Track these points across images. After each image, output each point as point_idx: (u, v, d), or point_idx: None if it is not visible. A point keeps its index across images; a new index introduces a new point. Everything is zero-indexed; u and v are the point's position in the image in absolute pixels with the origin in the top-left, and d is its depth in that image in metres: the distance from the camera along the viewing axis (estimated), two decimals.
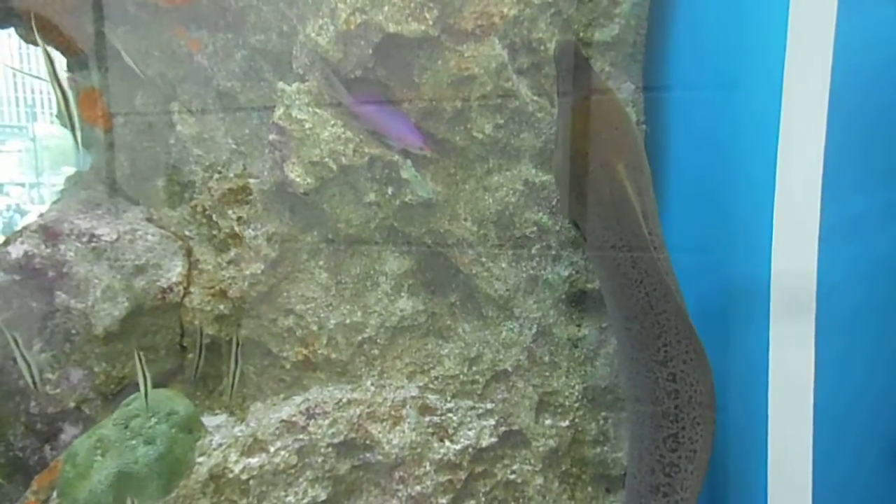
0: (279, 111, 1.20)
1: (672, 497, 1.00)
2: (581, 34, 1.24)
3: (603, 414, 1.29)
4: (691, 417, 0.99)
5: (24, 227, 1.28)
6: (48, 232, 1.27)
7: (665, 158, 1.30)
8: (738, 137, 1.14)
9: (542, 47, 1.23)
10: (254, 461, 1.16)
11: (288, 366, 1.31)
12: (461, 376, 1.29)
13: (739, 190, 1.13)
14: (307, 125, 1.19)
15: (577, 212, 1.07)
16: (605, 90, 1.07)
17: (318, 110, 1.20)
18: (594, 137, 1.02)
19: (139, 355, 1.08)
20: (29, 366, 1.13)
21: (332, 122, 1.20)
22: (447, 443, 1.23)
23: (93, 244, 1.28)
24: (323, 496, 1.18)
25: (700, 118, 1.21)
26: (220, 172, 1.34)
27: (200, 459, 1.15)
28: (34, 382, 1.13)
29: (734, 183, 1.15)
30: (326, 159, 1.19)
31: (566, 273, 1.30)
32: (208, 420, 1.26)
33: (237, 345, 1.21)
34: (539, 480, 1.26)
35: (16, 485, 1.27)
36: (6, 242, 1.26)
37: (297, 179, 1.20)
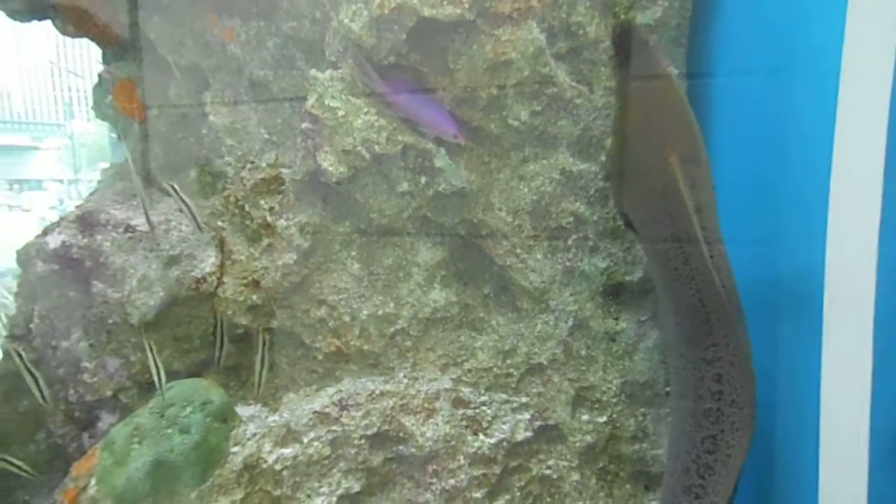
0: (312, 99, 1.18)
1: (704, 499, 0.97)
2: (622, 17, 1.20)
3: (642, 410, 1.26)
4: (731, 421, 0.96)
5: (62, 218, 1.30)
6: (85, 222, 1.28)
7: (710, 148, 1.25)
8: (791, 124, 1.09)
9: (582, 31, 1.19)
10: (287, 452, 1.16)
11: (320, 357, 1.30)
12: (495, 369, 1.27)
13: (792, 180, 1.08)
14: (340, 113, 1.17)
15: (627, 202, 1.03)
16: (663, 75, 1.02)
17: (351, 98, 1.18)
18: (648, 125, 0.98)
19: (150, 346, 1.10)
20: (36, 380, 1.14)
21: (366, 110, 1.18)
22: (481, 436, 1.21)
23: (128, 234, 1.29)
24: (356, 488, 1.17)
25: (749, 104, 1.15)
26: (252, 163, 1.33)
27: (235, 449, 1.15)
28: (43, 397, 1.14)
29: (786, 172, 1.09)
30: (359, 148, 1.17)
31: (604, 265, 1.26)
32: (241, 410, 1.26)
33: (263, 343, 1.20)
34: (575, 476, 1.23)
35: (55, 471, 1.29)
36: (44, 233, 1.28)
37: (330, 168, 1.18)
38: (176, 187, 1.19)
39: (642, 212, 1.00)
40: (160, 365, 1.09)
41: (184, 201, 1.17)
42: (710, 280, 0.91)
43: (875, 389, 0.92)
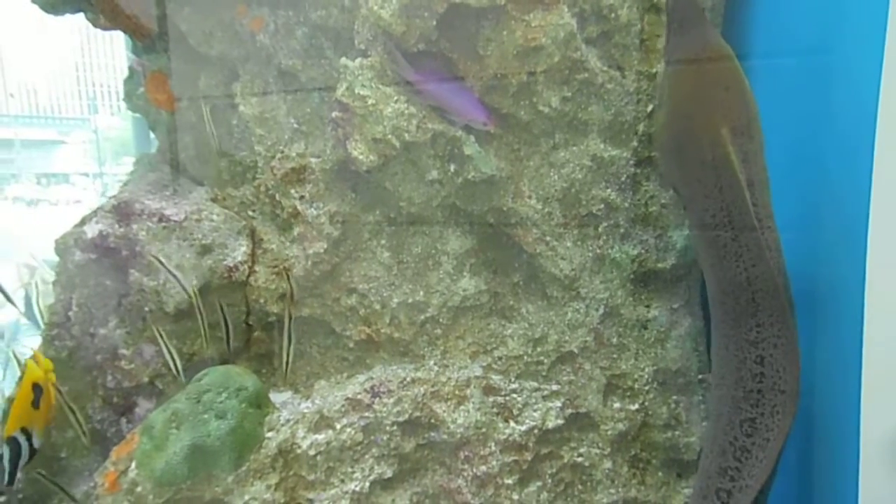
0: (342, 88, 1.19)
1: (738, 482, 0.96)
2: None
3: (674, 397, 1.25)
4: (772, 404, 0.94)
5: (99, 208, 1.32)
6: (121, 212, 1.31)
7: None
8: (831, 108, 1.06)
9: (613, 15, 1.18)
10: (321, 437, 1.17)
11: (351, 345, 1.31)
12: (525, 357, 1.27)
13: (832, 166, 1.05)
14: (370, 101, 1.17)
15: (676, 177, 1.01)
16: (717, 46, 0.98)
17: (380, 86, 1.18)
18: (701, 97, 0.96)
19: (160, 333, 1.14)
20: (74, 413, 1.18)
21: (395, 98, 1.18)
22: (512, 423, 1.21)
23: (163, 224, 1.31)
24: (389, 474, 1.18)
25: (788, 88, 1.13)
26: (281, 152, 1.34)
27: (269, 434, 1.17)
28: (83, 431, 1.20)
29: (826, 158, 1.07)
30: (389, 136, 1.17)
31: (635, 252, 1.25)
32: (274, 397, 1.28)
33: (290, 319, 1.20)
34: (607, 464, 1.23)
35: (94, 455, 1.33)
36: (82, 222, 1.31)
37: (360, 157, 1.18)
38: (161, 259, 1.22)
39: (692, 186, 0.98)
40: (174, 353, 1.15)
41: (171, 272, 1.20)
42: (761, 257, 0.89)
43: None
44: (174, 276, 1.17)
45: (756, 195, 0.91)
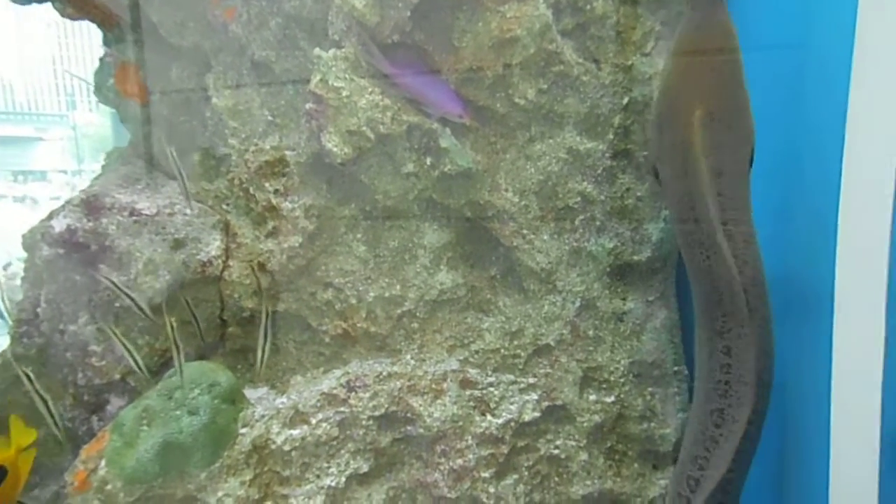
0: (315, 79, 1.17)
1: (706, 472, 0.97)
2: None
3: (650, 389, 1.25)
4: (738, 395, 0.95)
5: (67, 202, 1.29)
6: (90, 206, 1.28)
7: None
8: (801, 106, 1.07)
9: (588, 6, 1.18)
10: (296, 433, 1.16)
11: (327, 339, 1.30)
12: (502, 350, 1.27)
13: (804, 158, 1.06)
14: (344, 93, 1.16)
15: (655, 154, 1.00)
16: (721, 29, 0.95)
17: (355, 77, 1.17)
18: (687, 76, 0.94)
19: (171, 325, 1.08)
20: (46, 403, 1.13)
21: (370, 90, 1.17)
22: (489, 417, 1.21)
23: (133, 218, 1.28)
24: (365, 468, 1.17)
25: (762, 82, 1.13)
26: (256, 145, 1.32)
27: (243, 430, 1.15)
28: (55, 423, 1.14)
29: (798, 152, 1.07)
30: (364, 128, 1.16)
31: (611, 245, 1.25)
32: (249, 393, 1.26)
33: (267, 317, 1.18)
34: (583, 456, 1.23)
35: (66, 454, 1.30)
36: (49, 217, 1.28)
37: (335, 149, 1.17)
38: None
39: (667, 167, 0.97)
40: (181, 346, 1.08)
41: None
42: (716, 246, 0.89)
43: (886, 384, 0.91)
44: (129, 297, 1.13)
45: (725, 185, 0.91)
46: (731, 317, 0.92)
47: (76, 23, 1.40)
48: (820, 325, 0.99)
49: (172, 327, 1.03)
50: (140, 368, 1.09)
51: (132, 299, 1.14)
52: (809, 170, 1.05)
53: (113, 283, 1.14)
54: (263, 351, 1.19)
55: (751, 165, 0.95)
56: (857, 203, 0.94)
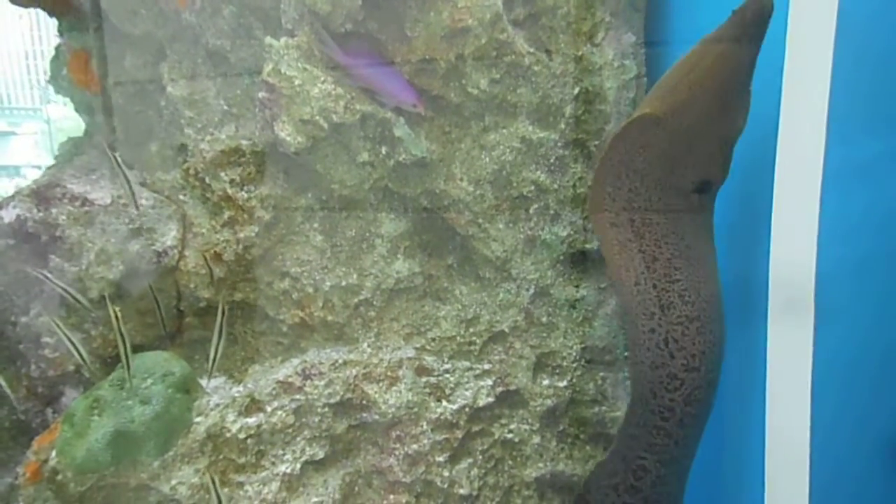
0: (268, 68, 1.17)
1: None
2: None
3: (601, 374, 1.28)
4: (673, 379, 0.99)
5: (17, 192, 1.27)
6: (40, 196, 1.26)
7: None
8: None
9: None
10: (251, 421, 1.16)
11: (285, 328, 1.30)
12: (458, 338, 1.29)
13: (740, 161, 1.08)
14: (297, 82, 1.16)
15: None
16: (718, 47, 0.94)
17: (307, 66, 1.17)
18: (674, 77, 0.96)
19: (116, 315, 1.05)
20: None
21: (323, 79, 1.17)
22: (444, 402, 1.23)
23: (86, 208, 1.27)
24: (321, 455, 1.18)
25: None
26: (211, 134, 1.31)
27: (198, 419, 1.15)
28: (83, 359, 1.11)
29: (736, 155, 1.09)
30: (317, 117, 1.16)
31: (564, 233, 1.28)
32: (206, 383, 1.26)
33: (223, 314, 1.17)
34: (536, 439, 1.26)
35: (19, 447, 1.29)
36: None
37: (288, 138, 1.17)
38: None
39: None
40: (127, 337, 1.06)
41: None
42: (623, 241, 0.92)
43: (814, 388, 0.96)
44: (63, 288, 1.12)
45: (638, 184, 0.93)
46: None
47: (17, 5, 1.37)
48: (756, 328, 1.02)
49: (117, 318, 1.02)
50: (84, 360, 1.08)
51: (67, 291, 1.12)
52: (744, 168, 1.07)
53: (44, 275, 1.13)
54: (216, 350, 1.17)
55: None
56: (789, 207, 0.98)
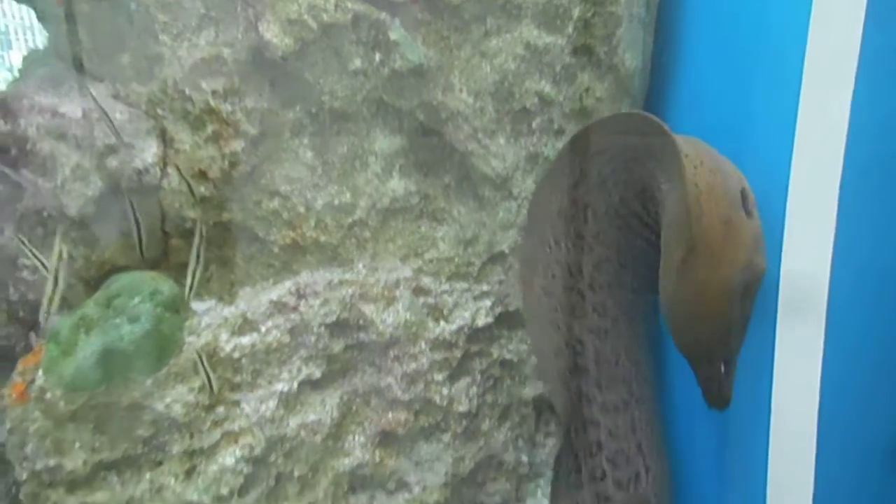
0: None
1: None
2: None
3: None
4: None
5: None
6: (6, 108, 1.16)
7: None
8: (750, 123, 1.03)
9: None
10: (245, 340, 1.14)
11: (276, 250, 1.25)
12: (456, 259, 1.25)
13: (751, 159, 1.01)
14: None
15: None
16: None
17: None
18: None
19: (61, 253, 1.01)
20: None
21: None
22: (442, 323, 1.20)
23: (57, 121, 1.18)
24: (317, 374, 1.16)
25: (710, 101, 1.08)
26: (189, 41, 1.21)
27: (190, 339, 1.12)
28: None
29: (746, 152, 1.02)
30: (305, 16, 1.07)
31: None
32: (196, 305, 1.22)
33: (201, 236, 1.11)
34: (535, 360, 1.25)
35: (4, 373, 1.25)
36: None
37: (274, 40, 1.08)
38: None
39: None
40: (61, 274, 1.01)
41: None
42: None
43: (823, 389, 0.93)
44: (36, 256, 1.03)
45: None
46: None
47: None
48: (764, 329, 0.99)
49: (61, 255, 0.96)
50: (56, 280, 1.01)
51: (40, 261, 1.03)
52: (757, 169, 1.02)
53: (22, 241, 1.04)
54: (195, 272, 1.12)
55: None
56: (804, 204, 0.93)
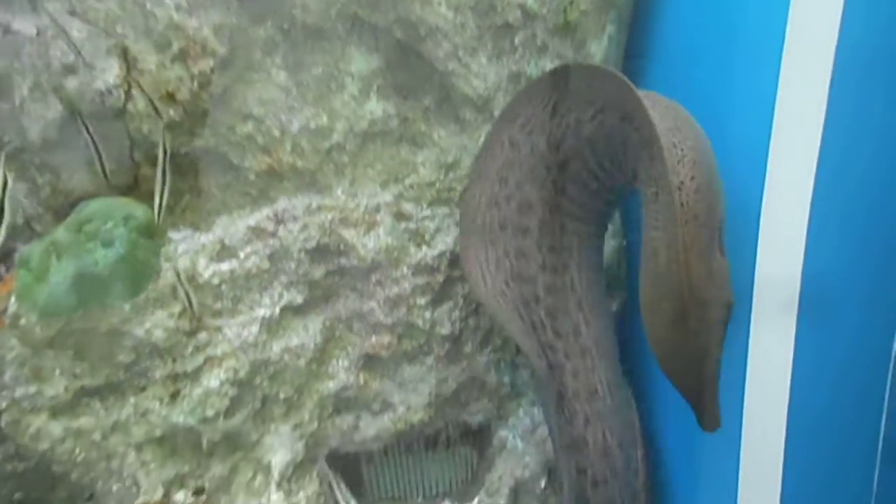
0: None
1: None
2: None
3: None
4: None
5: None
6: None
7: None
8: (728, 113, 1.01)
9: None
10: (224, 266, 1.12)
11: (252, 177, 1.22)
12: (437, 184, 1.23)
13: (727, 158, 0.98)
14: None
15: None
16: None
17: None
18: None
19: (5, 180, 0.96)
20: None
21: None
22: (424, 248, 1.20)
23: (9, 38, 1.10)
24: (299, 300, 1.16)
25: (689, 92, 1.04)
26: None
27: (166, 265, 1.10)
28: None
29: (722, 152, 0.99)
30: None
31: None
32: (171, 234, 1.19)
33: (165, 153, 1.06)
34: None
35: None
36: None
37: None
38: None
39: None
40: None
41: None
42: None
43: (792, 394, 0.95)
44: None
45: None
46: None
47: None
48: (737, 330, 0.99)
49: (6, 182, 0.91)
50: (1, 208, 0.96)
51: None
52: (732, 176, 0.99)
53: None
54: (162, 194, 1.08)
55: None
56: (778, 212, 0.94)
